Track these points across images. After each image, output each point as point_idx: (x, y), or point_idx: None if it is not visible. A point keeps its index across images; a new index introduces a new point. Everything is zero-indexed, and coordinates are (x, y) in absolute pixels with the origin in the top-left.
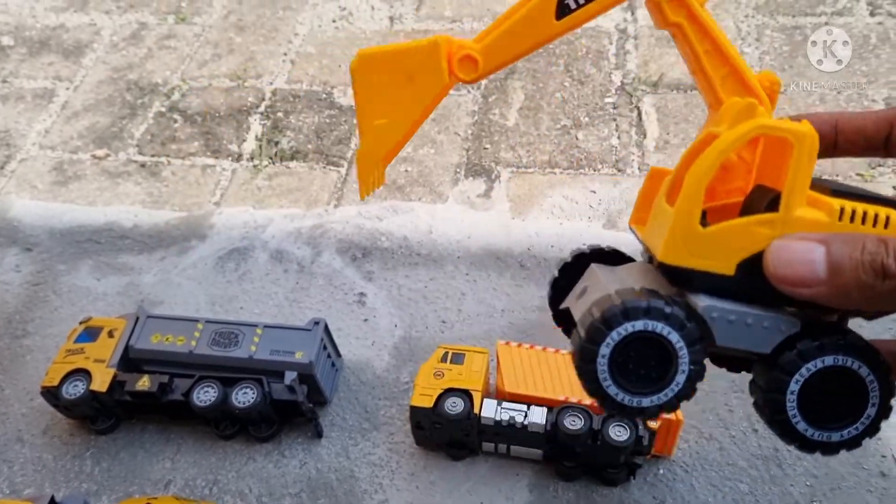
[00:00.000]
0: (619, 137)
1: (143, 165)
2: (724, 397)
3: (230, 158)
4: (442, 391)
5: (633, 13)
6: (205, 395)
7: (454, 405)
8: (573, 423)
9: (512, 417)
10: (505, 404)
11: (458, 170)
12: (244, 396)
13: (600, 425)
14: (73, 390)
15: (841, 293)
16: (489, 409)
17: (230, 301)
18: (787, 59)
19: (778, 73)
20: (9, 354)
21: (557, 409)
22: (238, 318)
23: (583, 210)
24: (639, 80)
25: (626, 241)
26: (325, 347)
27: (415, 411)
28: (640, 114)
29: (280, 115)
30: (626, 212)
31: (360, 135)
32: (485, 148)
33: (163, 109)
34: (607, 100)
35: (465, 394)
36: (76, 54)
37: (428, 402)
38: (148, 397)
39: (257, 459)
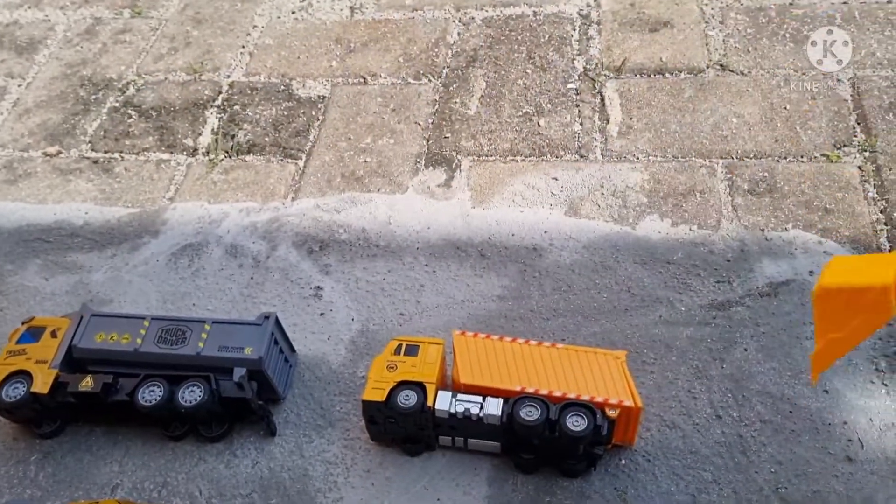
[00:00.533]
0: (581, 124)
1: (95, 162)
2: (687, 384)
3: (185, 153)
4: (395, 384)
5: None
6: (150, 395)
7: (407, 398)
8: (529, 413)
9: (467, 409)
10: (460, 396)
11: (418, 160)
12: (191, 395)
13: (557, 415)
14: (14, 393)
15: None
16: (443, 402)
17: (182, 298)
18: (750, 40)
19: (741, 55)
20: None
21: (513, 399)
22: (188, 315)
23: (544, 197)
24: (602, 66)
25: (586, 228)
26: (276, 342)
27: (367, 405)
28: (602, 99)
29: (237, 108)
30: (588, 198)
31: (816, 342)
32: (445, 137)
33: (117, 105)
34: (570, 86)
35: (419, 386)
36: (29, 51)
37: (380, 396)
38: (92, 398)
39: (208, 460)
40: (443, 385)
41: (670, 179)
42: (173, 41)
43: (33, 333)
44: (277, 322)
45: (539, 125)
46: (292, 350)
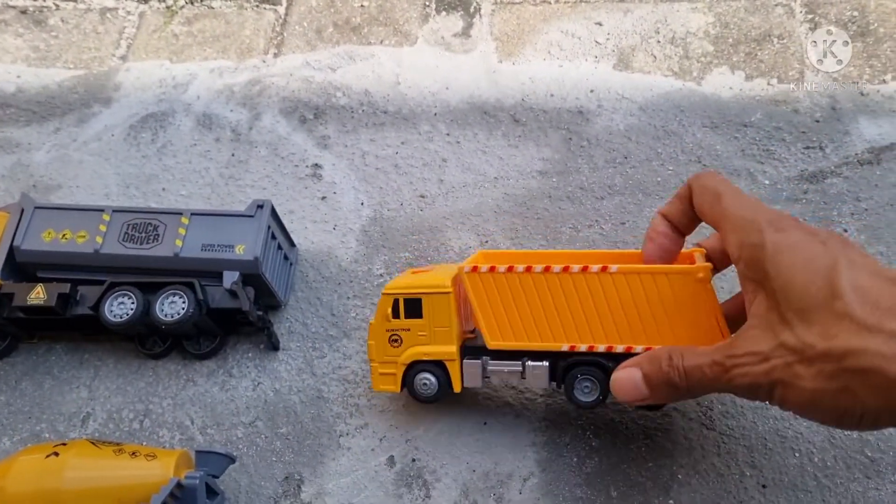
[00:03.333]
0: None
1: (23, 12)
2: None
3: None
4: (406, 367)
5: None
6: (120, 308)
7: (426, 386)
8: (586, 391)
9: (505, 381)
10: (492, 364)
11: (427, 3)
12: (171, 307)
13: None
14: None
15: (659, 397)
16: (473, 377)
17: (148, 182)
18: None
19: None
20: None
21: (563, 364)
22: (159, 204)
23: (587, 47)
24: None
25: (642, 84)
26: (273, 237)
27: None
28: None
29: None
30: (641, 48)
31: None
32: None
33: None
34: None
35: (437, 365)
36: None
37: (393, 387)
38: (46, 312)
39: (198, 382)
40: (466, 325)
41: (740, 22)
42: None
43: None
44: (273, 212)
45: None
46: (291, 244)
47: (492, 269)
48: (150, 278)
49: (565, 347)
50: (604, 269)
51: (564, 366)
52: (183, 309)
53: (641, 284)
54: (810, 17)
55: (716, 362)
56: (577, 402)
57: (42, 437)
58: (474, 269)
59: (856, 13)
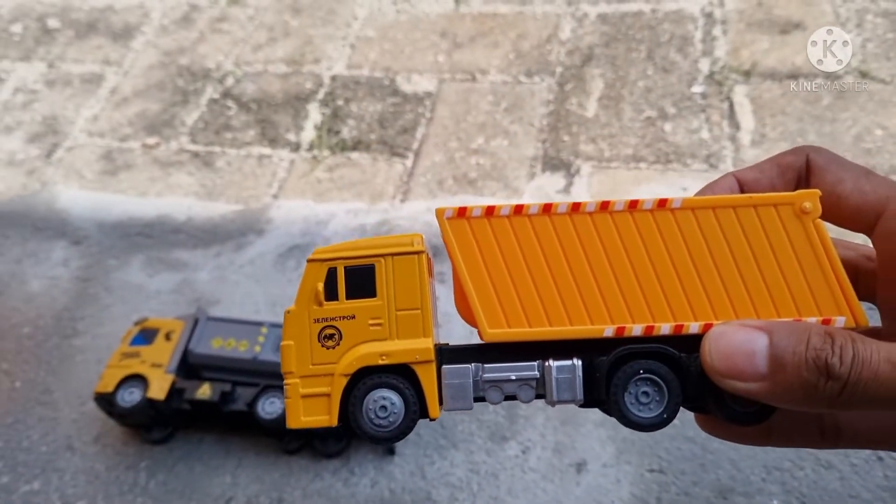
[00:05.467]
0: (710, 130)
1: (196, 155)
2: None
3: (288, 148)
4: (348, 380)
5: None
6: (271, 407)
7: (384, 410)
8: (645, 402)
9: (512, 393)
10: (491, 370)
11: (534, 163)
12: None
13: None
14: (130, 397)
15: (781, 391)
16: (459, 394)
17: (290, 302)
18: (891, 46)
19: (882, 61)
20: (58, 355)
21: (607, 360)
22: None
23: None
24: (729, 69)
25: None
26: None
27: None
28: (731, 105)
29: (340, 102)
30: None
31: None
32: (563, 140)
33: (216, 96)
34: (695, 89)
35: (401, 375)
36: (125, 37)
37: (323, 418)
38: (209, 407)
39: (325, 477)
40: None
41: None
42: (272, 31)
43: (146, 335)
44: None
45: (663, 130)
46: None
47: (489, 211)
48: None
49: (609, 332)
50: (661, 203)
51: (609, 363)
52: None
53: (719, 226)
54: None
55: None
56: (629, 421)
57: None
58: (460, 212)
59: None
